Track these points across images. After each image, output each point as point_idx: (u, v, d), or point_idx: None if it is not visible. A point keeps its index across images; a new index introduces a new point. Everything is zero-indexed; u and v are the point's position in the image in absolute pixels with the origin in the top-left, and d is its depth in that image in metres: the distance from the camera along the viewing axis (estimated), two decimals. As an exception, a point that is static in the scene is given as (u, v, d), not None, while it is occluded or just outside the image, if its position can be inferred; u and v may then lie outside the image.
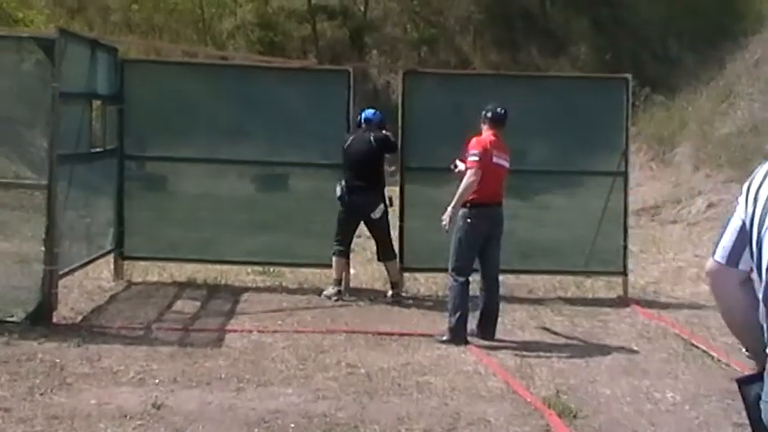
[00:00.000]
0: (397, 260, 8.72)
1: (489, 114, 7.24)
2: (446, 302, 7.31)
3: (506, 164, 7.27)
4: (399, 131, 9.01)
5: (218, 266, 9.27)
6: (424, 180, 9.13)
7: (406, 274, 9.00)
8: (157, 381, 5.81)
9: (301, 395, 5.63)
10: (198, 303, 8.18)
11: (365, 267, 9.86)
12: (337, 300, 8.42)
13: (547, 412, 5.33)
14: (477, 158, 7.02)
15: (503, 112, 7.23)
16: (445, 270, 7.35)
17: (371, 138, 8.50)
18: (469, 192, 7.00)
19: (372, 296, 8.69)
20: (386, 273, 8.77)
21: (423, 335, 7.21)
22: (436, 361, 6.52)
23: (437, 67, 18.89)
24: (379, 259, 8.80)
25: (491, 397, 5.71)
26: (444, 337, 7.04)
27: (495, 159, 7.11)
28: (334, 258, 8.56)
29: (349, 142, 8.59)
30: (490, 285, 7.31)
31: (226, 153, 9.29)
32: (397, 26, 24.23)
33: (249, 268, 9.48)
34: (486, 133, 7.22)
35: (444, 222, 7.06)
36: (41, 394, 5.46)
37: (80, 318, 7.42)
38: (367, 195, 8.47)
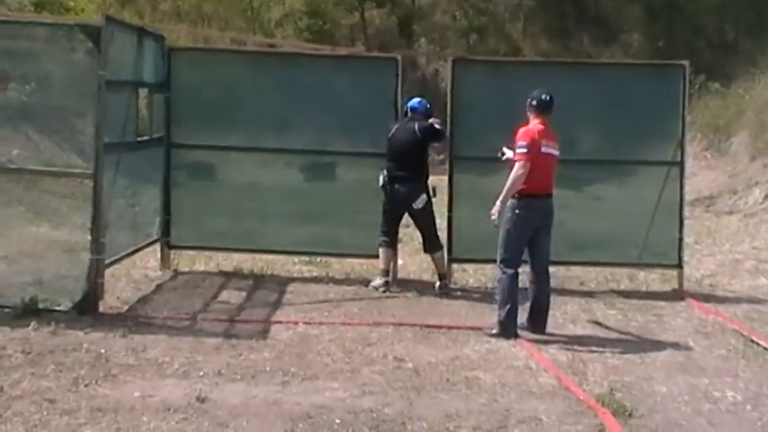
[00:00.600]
0: (445, 251, 8.56)
1: (535, 102, 7.05)
2: (495, 295, 7.14)
3: (556, 153, 7.05)
4: (448, 120, 8.84)
5: (264, 256, 9.20)
6: (474, 169, 8.94)
7: (455, 266, 8.84)
8: (202, 373, 5.73)
9: (347, 390, 5.51)
10: (244, 294, 8.11)
11: (413, 258, 9.72)
12: (384, 291, 8.29)
13: (600, 411, 5.15)
14: (525, 150, 6.83)
15: (548, 98, 7.04)
16: (494, 261, 7.17)
17: (416, 127, 8.34)
18: (518, 184, 6.83)
19: (420, 288, 8.54)
20: (433, 264, 8.61)
21: (471, 328, 7.06)
22: (485, 355, 6.36)
23: (487, 56, 18.63)
24: (425, 251, 8.64)
25: (542, 394, 5.54)
26: (494, 331, 6.88)
27: (543, 149, 6.91)
28: (380, 249, 8.44)
29: (393, 131, 8.45)
30: (540, 278, 7.12)
31: (273, 142, 9.19)
32: (446, 14, 23.99)
33: (296, 258, 9.40)
34: (534, 122, 7.02)
35: (493, 216, 6.90)
36: (86, 385, 5.42)
37: (126, 307, 7.39)
38: (409, 185, 8.33)
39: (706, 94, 18.10)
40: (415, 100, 8.70)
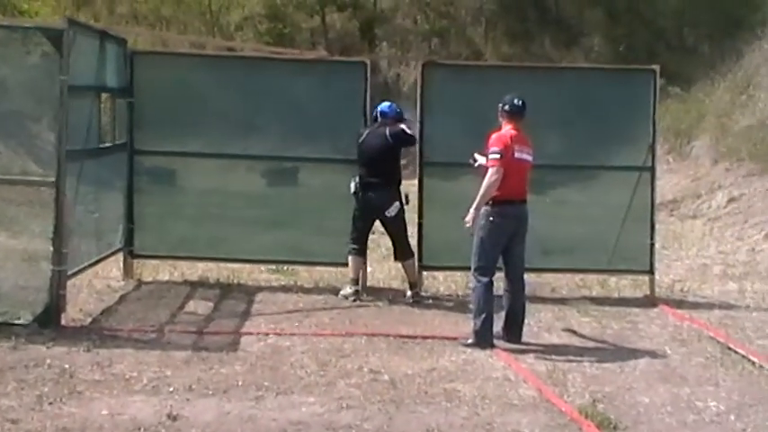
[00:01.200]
0: (416, 259, 8.43)
1: (507, 107, 6.90)
2: (468, 303, 7.02)
3: (530, 158, 6.92)
4: (418, 125, 8.72)
5: (230, 265, 8.99)
6: (444, 175, 8.85)
7: (425, 273, 8.71)
8: (172, 389, 5.53)
9: (324, 404, 5.35)
10: (211, 304, 7.92)
11: (381, 265, 9.59)
12: (355, 300, 8.14)
13: (585, 423, 5.04)
14: (498, 156, 6.70)
15: (521, 103, 6.89)
16: (465, 268, 7.06)
17: (387, 132, 8.20)
18: (492, 190, 6.70)
19: (391, 296, 8.42)
20: (403, 272, 8.48)
21: (446, 338, 6.94)
22: (462, 366, 6.24)
23: (449, 59, 18.53)
24: (396, 259, 8.51)
25: (524, 406, 5.42)
26: (469, 341, 6.76)
27: (516, 155, 6.78)
28: (350, 257, 8.28)
29: (364, 137, 8.29)
30: (515, 286, 7.02)
31: (236, 147, 9.02)
32: (408, 17, 23.90)
33: (262, 267, 9.22)
34: (506, 127, 6.89)
35: (468, 223, 6.77)
36: (50, 404, 5.19)
37: (89, 320, 7.15)
38: (382, 192, 8.18)
39: (666, 98, 18.13)
40: (385, 104, 8.56)
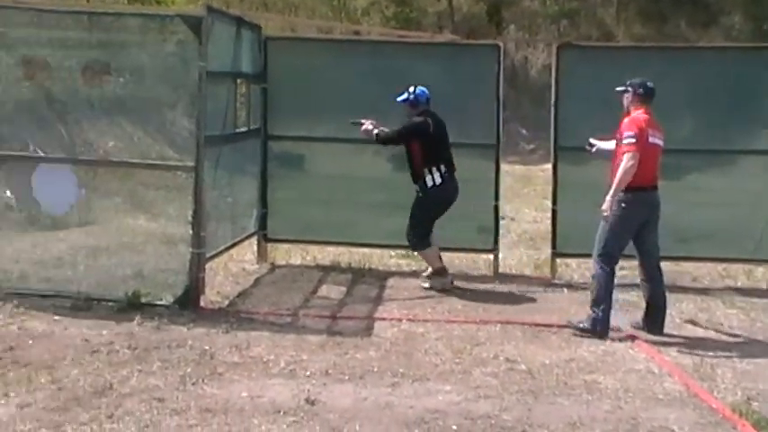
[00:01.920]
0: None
1: (641, 90, 6.67)
2: (590, 291, 6.74)
3: (661, 143, 6.68)
4: (552, 109, 8.52)
5: (361, 249, 9.00)
6: (578, 160, 8.57)
7: (558, 260, 8.52)
8: (308, 373, 5.55)
9: (461, 393, 5.26)
10: (343, 289, 7.94)
11: (512, 252, 9.45)
12: (452, 284, 7.95)
13: (739, 422, 4.79)
14: (634, 140, 6.46)
15: (652, 86, 6.68)
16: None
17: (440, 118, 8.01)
18: (629, 177, 6.45)
19: (523, 283, 8.25)
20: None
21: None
22: (602, 357, 6.04)
23: (579, 41, 18.07)
24: None
25: (669, 401, 5.19)
26: (583, 325, 6.54)
27: (650, 139, 6.55)
28: (427, 251, 8.05)
29: (432, 125, 7.91)
30: (652, 274, 6.75)
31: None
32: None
33: (392, 251, 9.19)
34: (637, 111, 6.65)
35: (605, 212, 6.54)
36: (193, 384, 5.29)
37: (227, 302, 7.27)
38: (456, 181, 8.00)
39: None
40: (422, 88, 8.18)
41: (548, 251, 8.68)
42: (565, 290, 8.10)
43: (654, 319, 6.67)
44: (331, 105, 8.95)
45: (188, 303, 6.87)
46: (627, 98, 6.75)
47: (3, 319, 6.43)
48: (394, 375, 5.56)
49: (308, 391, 5.19)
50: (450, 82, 8.79)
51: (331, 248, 9.13)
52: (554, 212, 8.50)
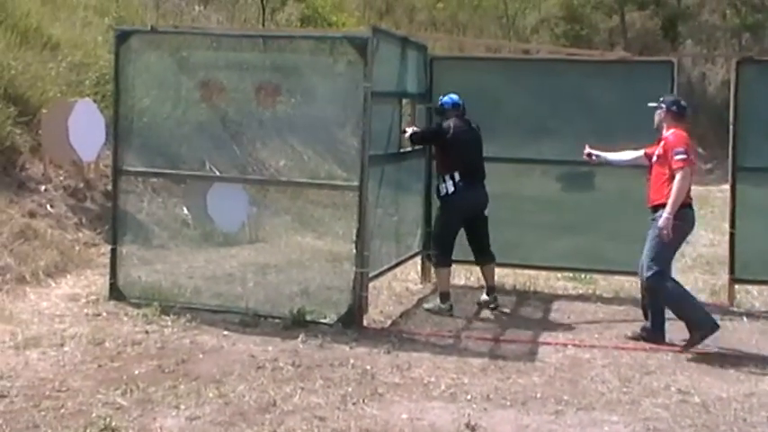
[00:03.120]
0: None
1: (674, 108, 6.73)
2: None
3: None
4: (730, 126, 8.10)
5: (526, 271, 8.83)
6: (760, 180, 8.14)
7: (737, 287, 8.06)
8: (469, 397, 5.45)
9: (628, 424, 5.03)
10: (507, 311, 7.79)
11: (686, 276, 8.99)
12: (450, 314, 7.58)
13: None
14: (685, 156, 6.49)
15: (685, 104, 6.83)
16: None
17: (474, 125, 7.81)
18: (683, 193, 6.48)
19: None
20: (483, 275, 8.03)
21: (766, 358, 6.31)
22: (785, 393, 5.63)
23: (763, 56, 17.17)
24: (479, 262, 8.01)
25: None
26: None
27: (691, 156, 6.65)
28: (440, 270, 7.78)
29: (454, 130, 7.67)
30: None
31: (530, 151, 8.87)
32: (715, 12, 22.50)
33: (558, 274, 8.96)
34: (678, 129, 6.67)
35: (665, 231, 6.42)
36: (354, 404, 5.29)
37: (389, 322, 7.28)
38: (482, 190, 7.79)
39: None
40: (455, 96, 7.93)
41: (725, 276, 8.24)
42: (744, 318, 7.65)
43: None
44: (498, 125, 8.83)
45: (351, 322, 6.92)
46: (659, 115, 6.79)
47: (177, 332, 6.67)
48: (558, 403, 5.38)
49: (469, 415, 5.10)
50: (622, 100, 8.53)
51: (496, 269, 8.98)
52: (732, 236, 8.08)
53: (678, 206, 6.46)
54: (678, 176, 6.46)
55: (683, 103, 6.80)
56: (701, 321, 6.51)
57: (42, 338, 6.33)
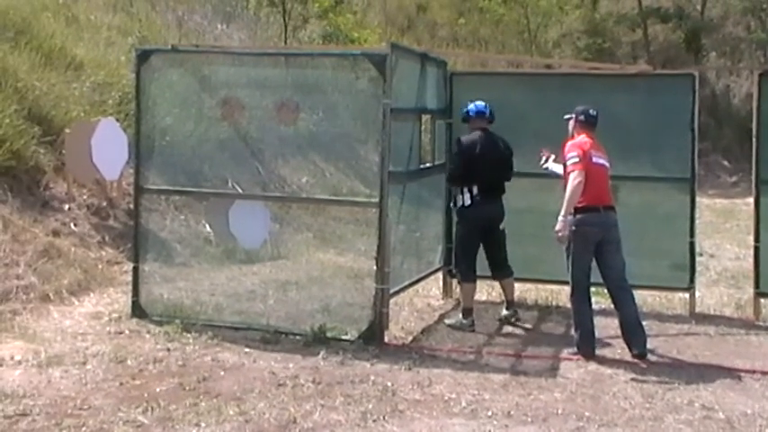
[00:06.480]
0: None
1: (582, 117, 6.95)
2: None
3: (607, 164, 6.89)
4: (754, 140, 8.04)
5: (548, 286, 8.78)
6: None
7: (763, 301, 7.97)
8: (490, 413, 5.43)
9: (651, 441, 4.98)
10: (529, 326, 7.76)
11: (711, 290, 8.94)
12: (472, 329, 7.55)
13: None
14: (577, 159, 6.66)
15: (595, 113, 6.97)
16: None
17: (497, 139, 7.82)
18: (577, 196, 6.59)
19: (722, 324, 7.76)
20: (502, 290, 8.10)
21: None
22: (812, 409, 5.56)
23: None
24: (496, 277, 8.02)
25: None
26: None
27: (594, 159, 6.74)
28: (464, 285, 7.75)
29: (475, 142, 7.68)
30: (619, 297, 6.93)
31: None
32: (740, 24, 22.34)
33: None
34: (580, 136, 6.89)
35: (559, 233, 6.61)
36: (374, 421, 5.28)
37: (410, 338, 7.27)
38: (500, 204, 7.81)
39: None
40: (481, 103, 7.91)
41: (750, 291, 8.16)
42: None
43: (634, 339, 6.71)
44: (520, 140, 8.80)
45: (372, 339, 6.91)
46: (570, 124, 7.03)
47: (198, 349, 6.69)
48: (579, 419, 5.34)
49: (489, 431, 5.07)
50: (643, 113, 8.54)
51: (517, 284, 8.93)
52: (756, 249, 7.99)
53: (571, 208, 6.60)
54: (570, 179, 6.64)
55: (591, 111, 6.96)
56: (581, 342, 6.74)
57: (65, 357, 6.37)
